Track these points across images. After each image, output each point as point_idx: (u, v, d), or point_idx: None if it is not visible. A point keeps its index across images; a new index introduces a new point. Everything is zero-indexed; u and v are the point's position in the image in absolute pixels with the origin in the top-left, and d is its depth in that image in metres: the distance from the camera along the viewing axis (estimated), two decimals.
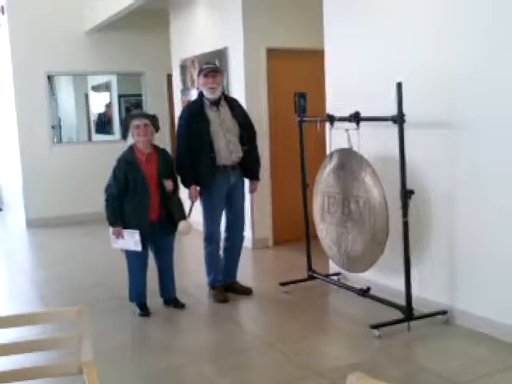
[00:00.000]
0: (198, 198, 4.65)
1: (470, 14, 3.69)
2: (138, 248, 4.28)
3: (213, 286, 4.79)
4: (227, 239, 4.83)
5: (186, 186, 4.61)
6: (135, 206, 4.30)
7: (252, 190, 4.98)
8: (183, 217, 4.43)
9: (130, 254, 4.42)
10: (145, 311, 4.45)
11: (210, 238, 4.73)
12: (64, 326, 2.45)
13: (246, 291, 4.85)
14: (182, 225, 4.38)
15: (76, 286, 5.35)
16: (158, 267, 4.58)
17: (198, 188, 4.61)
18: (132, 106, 9.10)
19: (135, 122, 4.31)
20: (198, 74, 4.72)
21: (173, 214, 4.36)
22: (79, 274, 5.77)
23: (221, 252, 4.83)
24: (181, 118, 4.75)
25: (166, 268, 4.57)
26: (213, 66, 4.89)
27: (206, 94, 4.60)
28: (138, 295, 4.51)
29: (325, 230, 4.60)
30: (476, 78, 3.68)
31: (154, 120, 4.41)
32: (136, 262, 4.43)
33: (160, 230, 4.41)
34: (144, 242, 4.33)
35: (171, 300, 4.61)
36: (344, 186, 4.33)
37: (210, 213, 4.69)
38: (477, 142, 3.72)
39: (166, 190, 4.34)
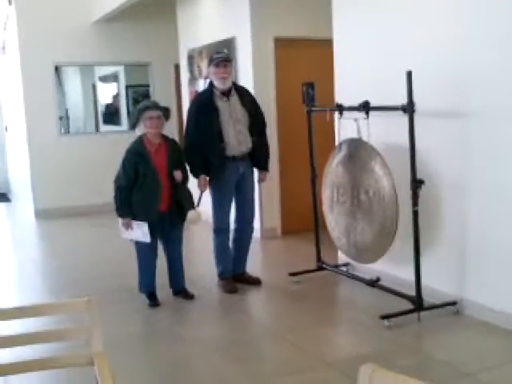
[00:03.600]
0: (207, 188, 4.64)
1: (483, 3, 3.64)
2: (147, 239, 4.29)
3: (222, 276, 4.79)
4: (237, 230, 4.82)
5: (195, 175, 4.60)
6: (145, 197, 4.28)
7: (260, 180, 4.96)
8: (192, 206, 4.42)
9: (139, 245, 4.42)
10: (154, 302, 4.46)
11: (220, 228, 4.72)
12: (73, 316, 2.46)
13: (255, 281, 4.85)
14: (191, 214, 4.37)
15: (85, 277, 5.36)
16: (167, 258, 4.57)
17: (208, 178, 4.60)
18: (140, 96, 9.07)
19: (149, 114, 4.25)
20: (209, 64, 4.65)
21: (183, 204, 4.36)
22: (88, 265, 5.78)
23: (230, 243, 4.83)
24: (190, 107, 4.72)
25: (175, 258, 4.56)
26: (224, 55, 4.79)
27: (217, 83, 4.55)
28: (147, 286, 4.51)
29: (334, 220, 4.58)
30: (487, 66, 3.64)
31: (166, 112, 4.38)
32: (145, 252, 4.43)
33: (169, 221, 4.40)
34: (153, 232, 4.32)
35: (180, 290, 4.61)
36: (353, 176, 4.31)
37: (220, 203, 4.67)
38: (488, 132, 3.68)
39: (176, 180, 4.33)
